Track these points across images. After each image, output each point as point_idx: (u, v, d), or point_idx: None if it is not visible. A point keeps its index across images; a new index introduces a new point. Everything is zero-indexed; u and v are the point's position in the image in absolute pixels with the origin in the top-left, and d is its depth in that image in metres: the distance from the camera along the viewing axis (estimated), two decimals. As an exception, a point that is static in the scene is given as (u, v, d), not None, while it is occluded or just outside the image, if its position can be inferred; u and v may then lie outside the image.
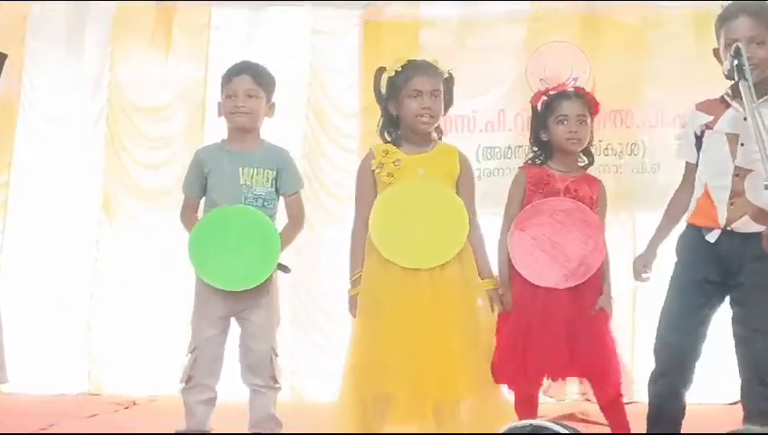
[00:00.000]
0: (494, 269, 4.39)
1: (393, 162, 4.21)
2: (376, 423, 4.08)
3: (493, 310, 4.26)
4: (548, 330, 4.25)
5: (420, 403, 4.07)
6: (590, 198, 4.42)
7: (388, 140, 4.32)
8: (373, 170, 4.24)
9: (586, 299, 4.33)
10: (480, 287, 4.25)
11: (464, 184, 4.33)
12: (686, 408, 4.16)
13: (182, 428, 4.53)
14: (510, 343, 4.26)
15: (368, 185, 4.29)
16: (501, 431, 1.85)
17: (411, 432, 4.12)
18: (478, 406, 4.15)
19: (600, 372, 4.28)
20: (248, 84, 4.62)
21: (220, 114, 4.70)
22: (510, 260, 4.37)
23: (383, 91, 4.30)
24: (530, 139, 4.58)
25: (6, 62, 6.53)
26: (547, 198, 4.38)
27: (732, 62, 3.44)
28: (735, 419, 4.22)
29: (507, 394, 4.27)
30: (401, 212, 4.18)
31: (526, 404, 4.25)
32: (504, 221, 4.46)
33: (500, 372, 4.24)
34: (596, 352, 4.27)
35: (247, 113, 4.61)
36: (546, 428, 1.78)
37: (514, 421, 1.87)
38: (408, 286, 4.10)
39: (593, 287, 4.36)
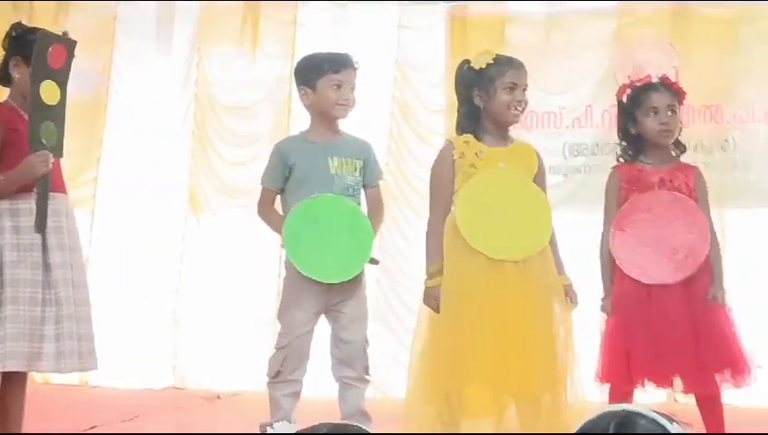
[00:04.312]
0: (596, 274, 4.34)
1: (476, 153, 4.11)
2: (452, 419, 4.02)
3: (574, 304, 4.16)
4: (661, 330, 4.16)
5: (500, 398, 4.02)
6: (687, 186, 4.32)
7: (467, 131, 4.19)
8: (454, 160, 4.12)
9: (700, 290, 4.22)
10: (558, 282, 4.15)
11: (540, 182, 4.25)
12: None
13: (266, 422, 4.51)
14: (614, 345, 4.21)
15: (447, 176, 4.16)
16: (593, 417, 1.80)
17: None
18: (557, 401, 4.06)
19: (726, 361, 4.17)
20: (354, 78, 4.60)
21: (309, 102, 4.58)
22: (611, 263, 4.30)
23: (467, 82, 4.20)
24: (618, 133, 4.50)
25: (96, 60, 6.60)
26: (642, 193, 4.31)
27: None
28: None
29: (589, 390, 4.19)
30: (488, 203, 4.07)
31: (621, 400, 4.13)
32: (604, 225, 4.39)
33: (604, 372, 4.19)
34: (718, 343, 4.18)
35: (351, 107, 4.59)
36: (640, 413, 1.73)
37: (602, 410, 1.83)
38: (494, 278, 4.00)
39: (705, 277, 4.25)
